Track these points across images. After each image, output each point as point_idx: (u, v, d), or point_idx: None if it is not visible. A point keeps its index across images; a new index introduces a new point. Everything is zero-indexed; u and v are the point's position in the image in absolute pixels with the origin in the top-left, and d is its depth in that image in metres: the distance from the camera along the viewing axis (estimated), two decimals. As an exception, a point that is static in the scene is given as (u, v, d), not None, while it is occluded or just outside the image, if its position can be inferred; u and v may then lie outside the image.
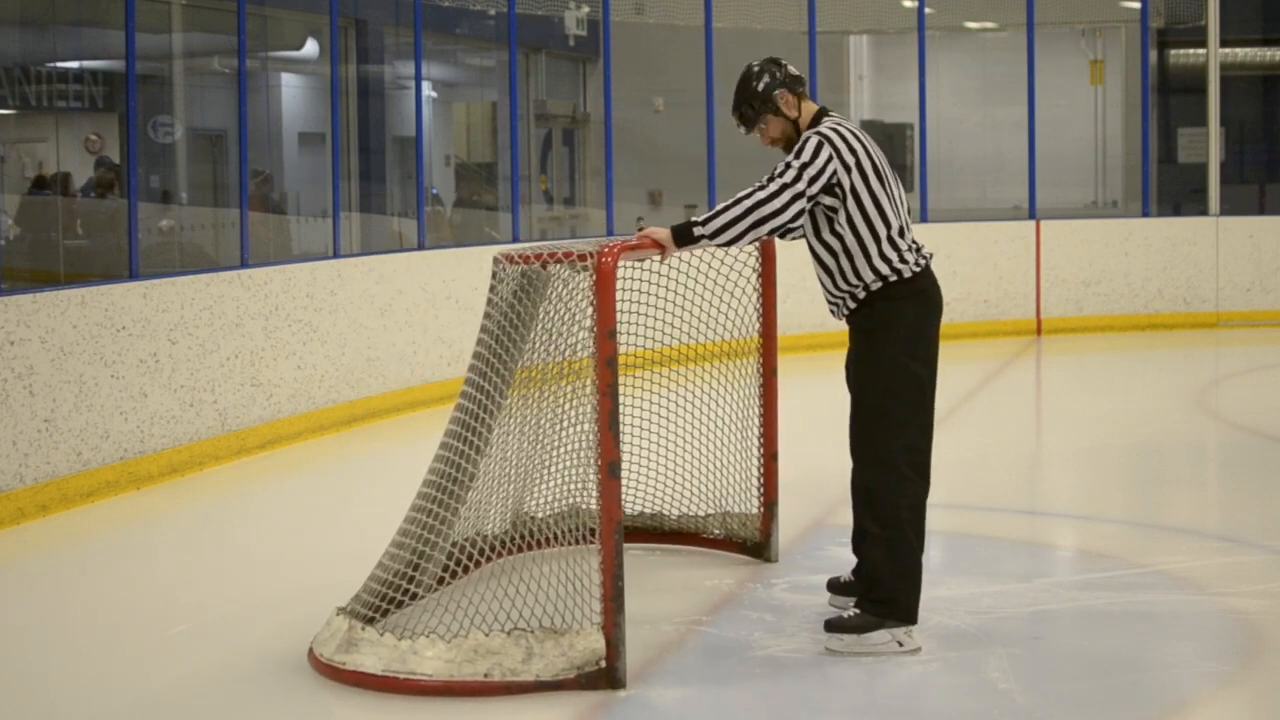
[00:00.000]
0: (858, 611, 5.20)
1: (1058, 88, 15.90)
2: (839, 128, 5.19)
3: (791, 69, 5.39)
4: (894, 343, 5.15)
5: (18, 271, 10.31)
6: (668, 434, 6.51)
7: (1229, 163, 15.96)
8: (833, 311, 5.36)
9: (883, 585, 5.15)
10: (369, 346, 10.00)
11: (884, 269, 5.14)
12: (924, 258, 5.22)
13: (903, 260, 5.15)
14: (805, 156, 5.08)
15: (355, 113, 13.85)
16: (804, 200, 5.05)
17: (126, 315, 8.04)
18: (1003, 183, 15.83)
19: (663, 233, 5.13)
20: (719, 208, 5.07)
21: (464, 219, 15.14)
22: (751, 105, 5.35)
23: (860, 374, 5.23)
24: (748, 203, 5.02)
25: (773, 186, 5.04)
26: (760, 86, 5.33)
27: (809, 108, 5.37)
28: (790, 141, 5.34)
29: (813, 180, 5.05)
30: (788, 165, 5.08)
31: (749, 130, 5.41)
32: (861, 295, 5.19)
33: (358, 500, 8.08)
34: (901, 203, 5.26)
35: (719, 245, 5.12)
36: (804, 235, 5.29)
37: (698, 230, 5.05)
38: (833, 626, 5.20)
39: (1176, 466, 8.67)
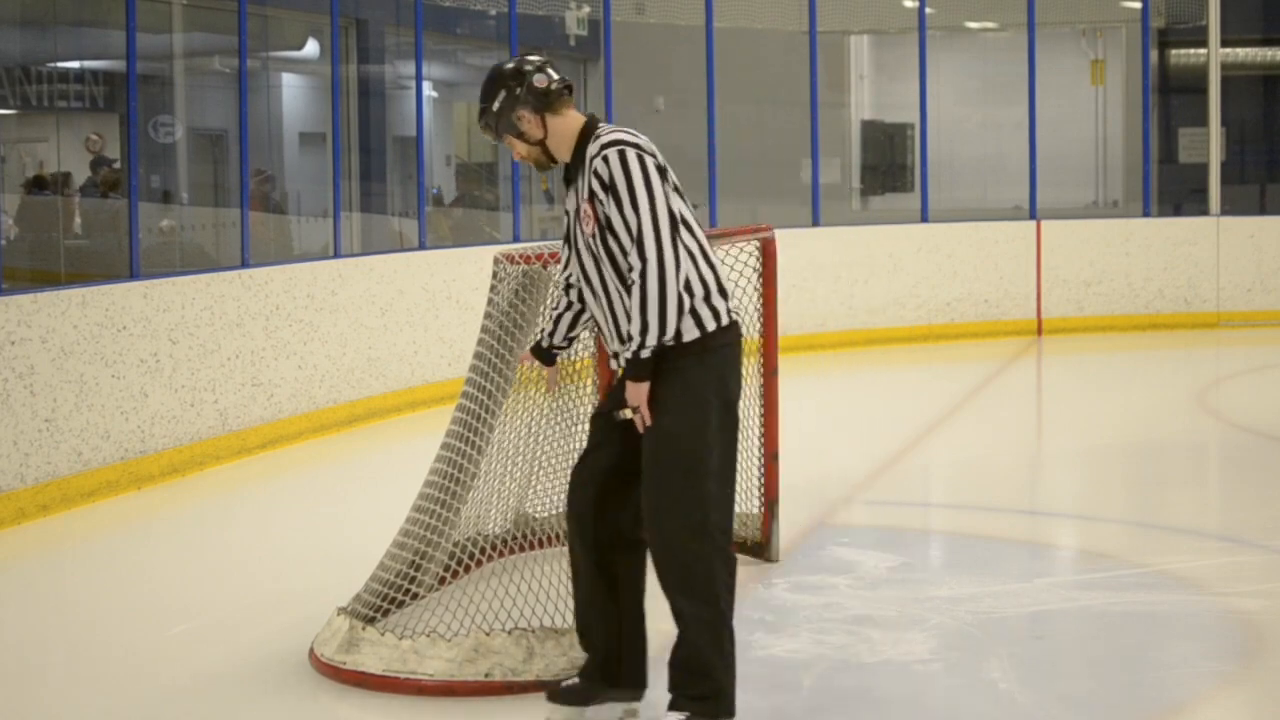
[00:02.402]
0: (686, 715, 4.24)
1: (1058, 88, 15.88)
2: (633, 134, 4.32)
3: (540, 80, 4.37)
4: (710, 380, 4.26)
5: (18, 271, 10.31)
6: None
7: (1230, 163, 15.93)
8: (615, 356, 4.38)
9: (712, 678, 4.26)
10: (370, 346, 10.00)
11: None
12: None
13: (722, 293, 4.30)
14: (637, 181, 4.20)
15: (356, 113, 13.85)
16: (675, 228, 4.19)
17: (127, 315, 8.04)
18: (1003, 183, 15.81)
19: (639, 389, 4.18)
20: (636, 319, 4.13)
21: (459, 218, 15.11)
22: (493, 125, 4.40)
23: (663, 423, 4.21)
24: (652, 289, 4.12)
25: (649, 250, 4.13)
26: (496, 105, 4.37)
27: (572, 121, 4.38)
28: (540, 164, 4.41)
29: (665, 200, 4.21)
30: (634, 208, 4.16)
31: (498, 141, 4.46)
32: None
33: (358, 500, 8.07)
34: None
35: (666, 342, 4.18)
36: (585, 274, 4.35)
37: (644, 353, 4.16)
38: None
39: (1177, 466, 8.67)
